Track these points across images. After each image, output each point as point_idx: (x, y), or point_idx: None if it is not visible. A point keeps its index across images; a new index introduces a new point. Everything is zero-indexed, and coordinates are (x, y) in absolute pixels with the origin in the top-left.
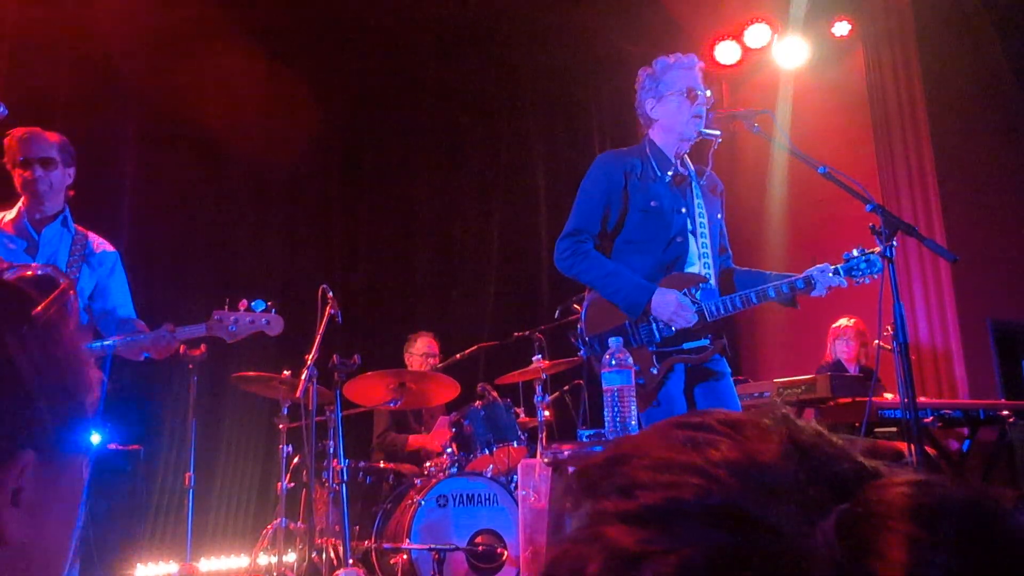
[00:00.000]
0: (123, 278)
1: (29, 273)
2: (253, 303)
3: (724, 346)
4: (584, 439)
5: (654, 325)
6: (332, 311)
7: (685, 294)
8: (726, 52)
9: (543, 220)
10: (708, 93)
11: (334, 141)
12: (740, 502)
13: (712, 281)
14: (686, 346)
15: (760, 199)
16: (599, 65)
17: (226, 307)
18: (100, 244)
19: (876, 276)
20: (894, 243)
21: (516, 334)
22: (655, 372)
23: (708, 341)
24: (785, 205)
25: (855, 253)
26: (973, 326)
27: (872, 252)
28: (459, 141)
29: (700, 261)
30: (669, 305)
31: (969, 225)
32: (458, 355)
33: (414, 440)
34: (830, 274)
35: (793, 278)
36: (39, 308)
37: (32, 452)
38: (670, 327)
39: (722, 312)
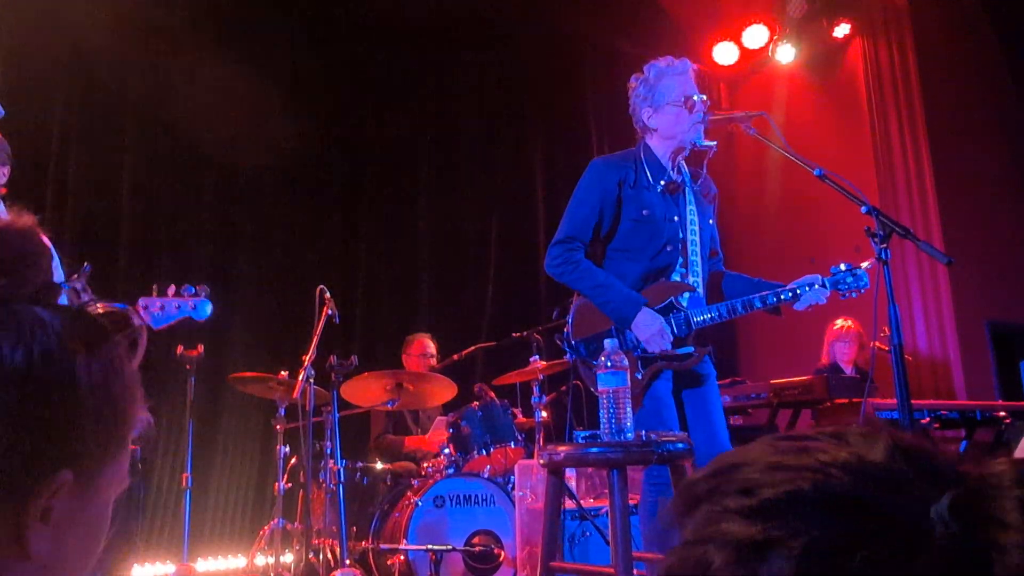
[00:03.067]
0: (58, 274)
1: (100, 308)
2: (184, 288)
3: (709, 352)
4: (580, 440)
5: None
6: (329, 311)
7: (671, 303)
8: (724, 53)
9: (541, 221)
10: (704, 97)
11: (333, 141)
12: (856, 492)
13: (700, 289)
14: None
15: (756, 201)
16: (597, 66)
17: (154, 293)
18: None
19: (862, 291)
20: (888, 251)
21: (514, 335)
22: (639, 377)
23: (692, 349)
24: (781, 207)
25: (842, 267)
26: (971, 329)
27: (859, 267)
28: (458, 142)
29: (689, 269)
30: (649, 328)
31: (967, 227)
32: (455, 356)
33: (411, 442)
34: (817, 286)
35: (779, 289)
36: (110, 342)
37: (71, 473)
38: None
39: (707, 322)
